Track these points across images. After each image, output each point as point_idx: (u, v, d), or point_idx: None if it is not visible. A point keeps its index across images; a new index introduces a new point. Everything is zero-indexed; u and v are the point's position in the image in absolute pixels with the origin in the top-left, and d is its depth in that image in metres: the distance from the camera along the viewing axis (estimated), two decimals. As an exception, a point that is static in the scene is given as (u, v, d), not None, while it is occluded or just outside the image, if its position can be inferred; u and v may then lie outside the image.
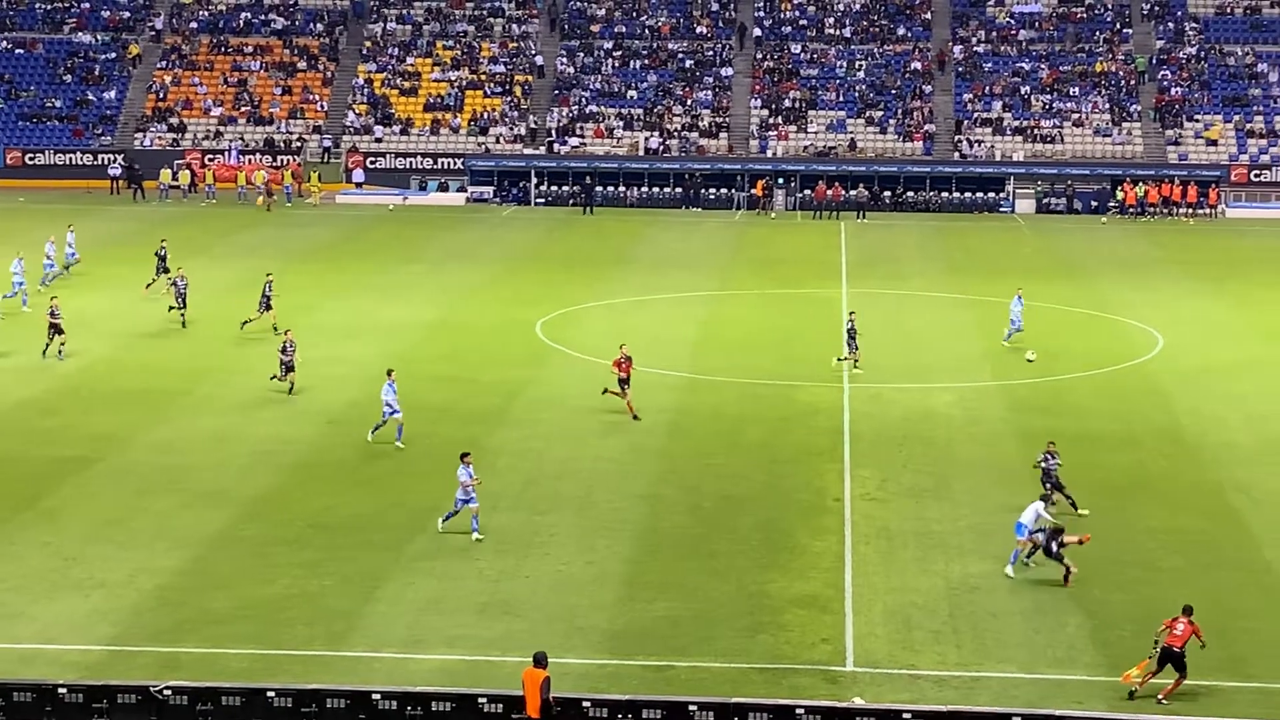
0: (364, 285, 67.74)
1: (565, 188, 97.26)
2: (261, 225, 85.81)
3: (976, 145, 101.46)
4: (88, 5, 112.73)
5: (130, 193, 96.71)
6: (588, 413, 47.39)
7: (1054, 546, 34.04)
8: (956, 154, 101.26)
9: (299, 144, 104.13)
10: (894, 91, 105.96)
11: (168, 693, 27.04)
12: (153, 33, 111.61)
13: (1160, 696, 28.99)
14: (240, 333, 57.21)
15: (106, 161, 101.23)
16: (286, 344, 49.39)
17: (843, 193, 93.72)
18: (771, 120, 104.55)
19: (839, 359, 53.24)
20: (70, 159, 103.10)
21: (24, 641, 31.04)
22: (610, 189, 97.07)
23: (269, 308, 57.60)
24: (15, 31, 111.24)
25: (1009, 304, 57.58)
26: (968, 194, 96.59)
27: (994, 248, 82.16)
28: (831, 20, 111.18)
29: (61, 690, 27.18)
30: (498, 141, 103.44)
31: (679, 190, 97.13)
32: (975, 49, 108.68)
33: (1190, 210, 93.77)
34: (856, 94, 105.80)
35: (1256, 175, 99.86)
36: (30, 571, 34.60)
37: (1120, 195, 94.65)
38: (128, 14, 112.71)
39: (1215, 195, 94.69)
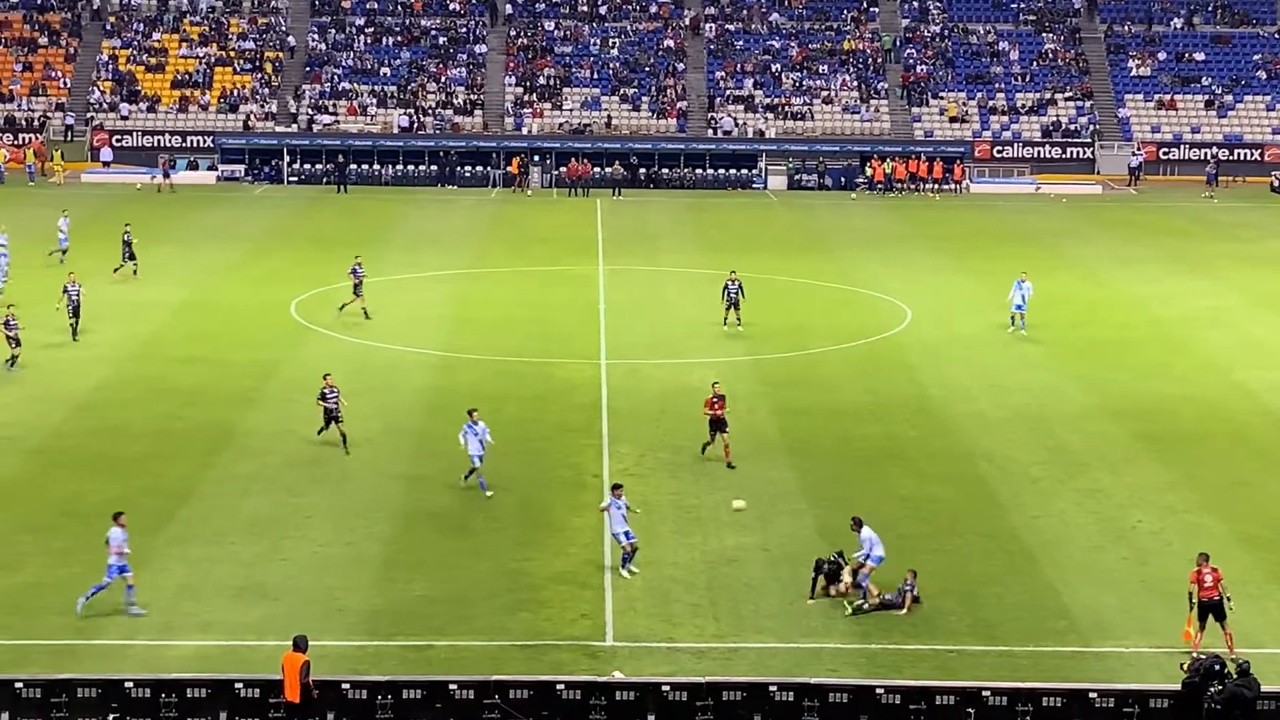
0: (111, 267, 66.05)
1: (319, 166, 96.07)
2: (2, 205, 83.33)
3: (729, 122, 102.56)
4: None
5: None
6: (344, 393, 46.86)
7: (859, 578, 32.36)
8: (710, 131, 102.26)
9: (41, 122, 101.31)
10: (647, 69, 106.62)
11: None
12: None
13: (1232, 655, 28.13)
14: None
15: None
16: (9, 319, 49.66)
17: (592, 169, 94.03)
18: (526, 98, 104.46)
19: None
20: None
21: None
22: (364, 167, 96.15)
23: (132, 257, 63.39)
24: None
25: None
26: (721, 170, 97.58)
27: (748, 224, 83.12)
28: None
29: None
30: (249, 119, 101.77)
31: (434, 168, 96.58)
32: (726, 27, 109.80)
33: (936, 186, 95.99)
34: (610, 71, 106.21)
35: (999, 151, 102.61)
36: None
37: (869, 171, 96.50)
38: None
39: (960, 171, 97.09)
